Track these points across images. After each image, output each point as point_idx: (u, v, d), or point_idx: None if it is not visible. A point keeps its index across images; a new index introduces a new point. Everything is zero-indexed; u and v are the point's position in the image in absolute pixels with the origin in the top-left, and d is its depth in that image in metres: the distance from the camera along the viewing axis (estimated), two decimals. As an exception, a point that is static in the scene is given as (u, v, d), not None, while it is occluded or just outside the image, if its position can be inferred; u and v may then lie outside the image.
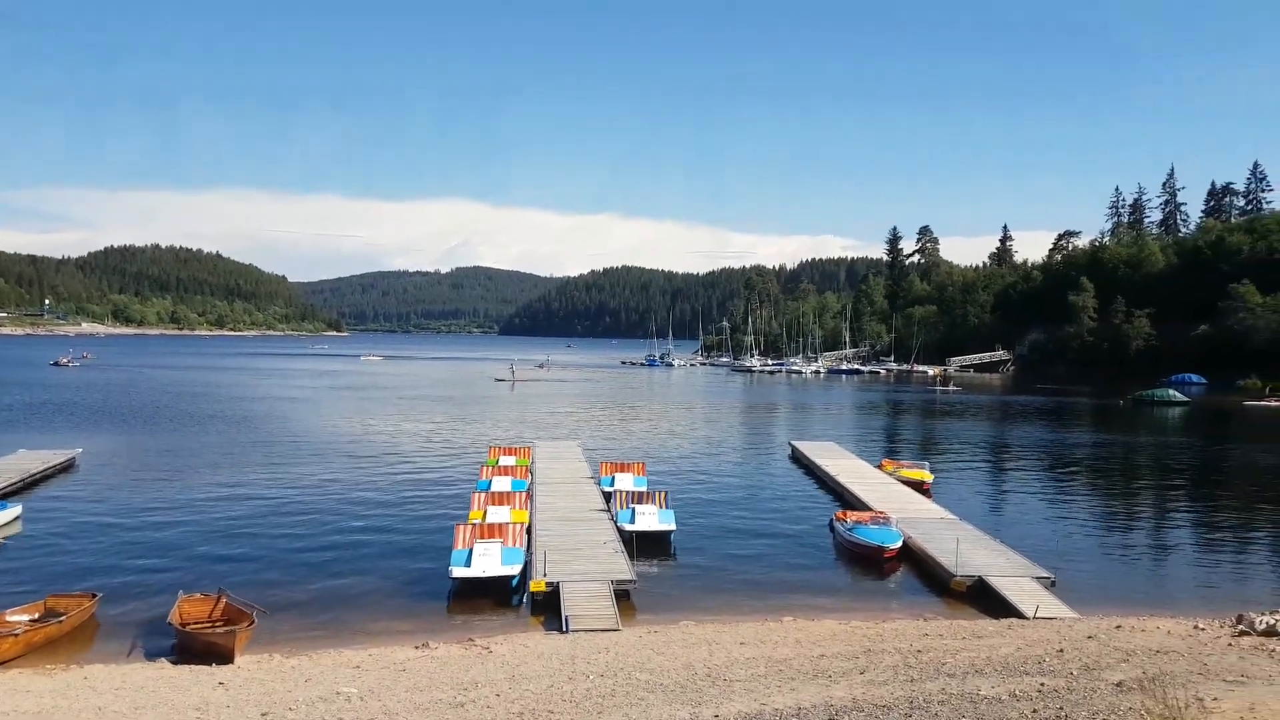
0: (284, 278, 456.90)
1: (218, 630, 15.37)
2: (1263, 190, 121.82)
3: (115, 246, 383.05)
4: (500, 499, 25.24)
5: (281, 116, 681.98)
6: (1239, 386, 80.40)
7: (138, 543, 22.81)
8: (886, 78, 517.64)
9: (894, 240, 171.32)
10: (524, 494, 26.55)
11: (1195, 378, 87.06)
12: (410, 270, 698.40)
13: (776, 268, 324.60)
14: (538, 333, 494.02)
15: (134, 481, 31.45)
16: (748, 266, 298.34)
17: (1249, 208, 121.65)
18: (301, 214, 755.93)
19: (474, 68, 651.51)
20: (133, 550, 22.04)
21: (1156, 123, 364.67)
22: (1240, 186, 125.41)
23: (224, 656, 14.44)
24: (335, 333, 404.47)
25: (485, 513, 23.92)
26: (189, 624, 15.81)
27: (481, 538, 20.32)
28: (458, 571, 18.83)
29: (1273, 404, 68.65)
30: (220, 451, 39.09)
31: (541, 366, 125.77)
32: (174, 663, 14.57)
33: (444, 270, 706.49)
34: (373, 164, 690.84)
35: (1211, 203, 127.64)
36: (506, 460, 32.85)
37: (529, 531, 22.05)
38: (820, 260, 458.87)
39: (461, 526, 20.88)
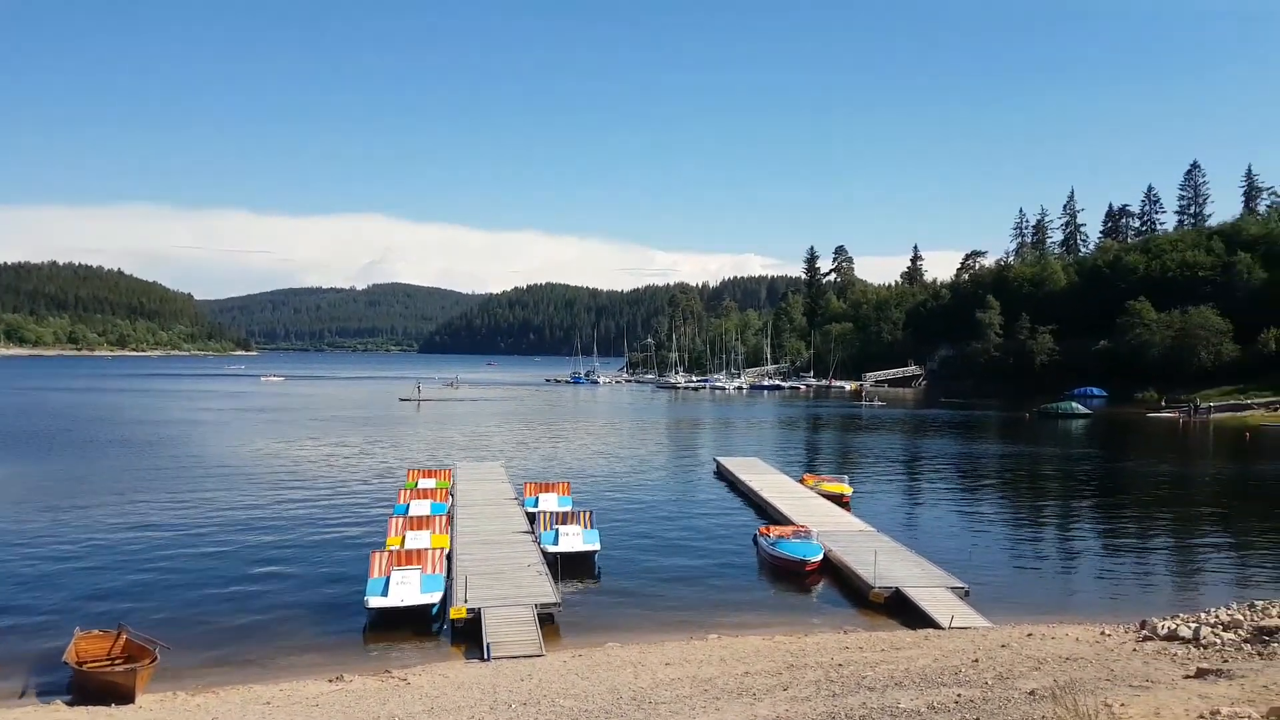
0: (190, 296, 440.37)
1: (117, 668, 14.56)
2: (1156, 212, 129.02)
3: (8, 264, 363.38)
4: (419, 523, 24.66)
5: (186, 129, 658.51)
6: (1137, 398, 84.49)
7: (31, 576, 21.52)
8: (804, 96, 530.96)
9: (811, 259, 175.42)
10: (444, 518, 26.01)
11: (1097, 391, 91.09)
12: (324, 287, 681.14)
13: (700, 285, 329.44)
14: (459, 350, 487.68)
15: (27, 511, 29.68)
16: (672, 284, 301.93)
17: (1144, 229, 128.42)
18: (208, 230, 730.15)
19: (389, 80, 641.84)
20: (25, 584, 20.77)
21: (1058, 146, 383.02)
22: (1135, 209, 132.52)
23: (124, 696, 13.68)
24: (244, 352, 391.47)
25: (404, 538, 23.30)
26: (86, 662, 14.94)
27: (399, 565, 19.76)
28: (374, 601, 18.27)
29: (1169, 415, 72.24)
30: (121, 479, 37.23)
31: (450, 385, 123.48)
32: (70, 704, 13.75)
33: (360, 287, 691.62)
34: (283, 178, 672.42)
35: (1109, 224, 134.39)
36: (426, 483, 32.14)
37: (449, 557, 21.55)
38: (742, 278, 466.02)
39: (378, 554, 20.25)
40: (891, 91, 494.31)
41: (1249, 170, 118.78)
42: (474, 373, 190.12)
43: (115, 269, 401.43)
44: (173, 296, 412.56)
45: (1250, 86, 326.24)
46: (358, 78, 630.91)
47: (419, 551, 20.72)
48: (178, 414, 73.20)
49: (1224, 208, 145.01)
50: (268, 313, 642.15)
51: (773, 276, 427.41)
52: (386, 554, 20.28)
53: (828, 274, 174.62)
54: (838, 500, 31.00)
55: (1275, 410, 68.71)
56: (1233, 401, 74.73)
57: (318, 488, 35.50)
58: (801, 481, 34.60)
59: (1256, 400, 73.46)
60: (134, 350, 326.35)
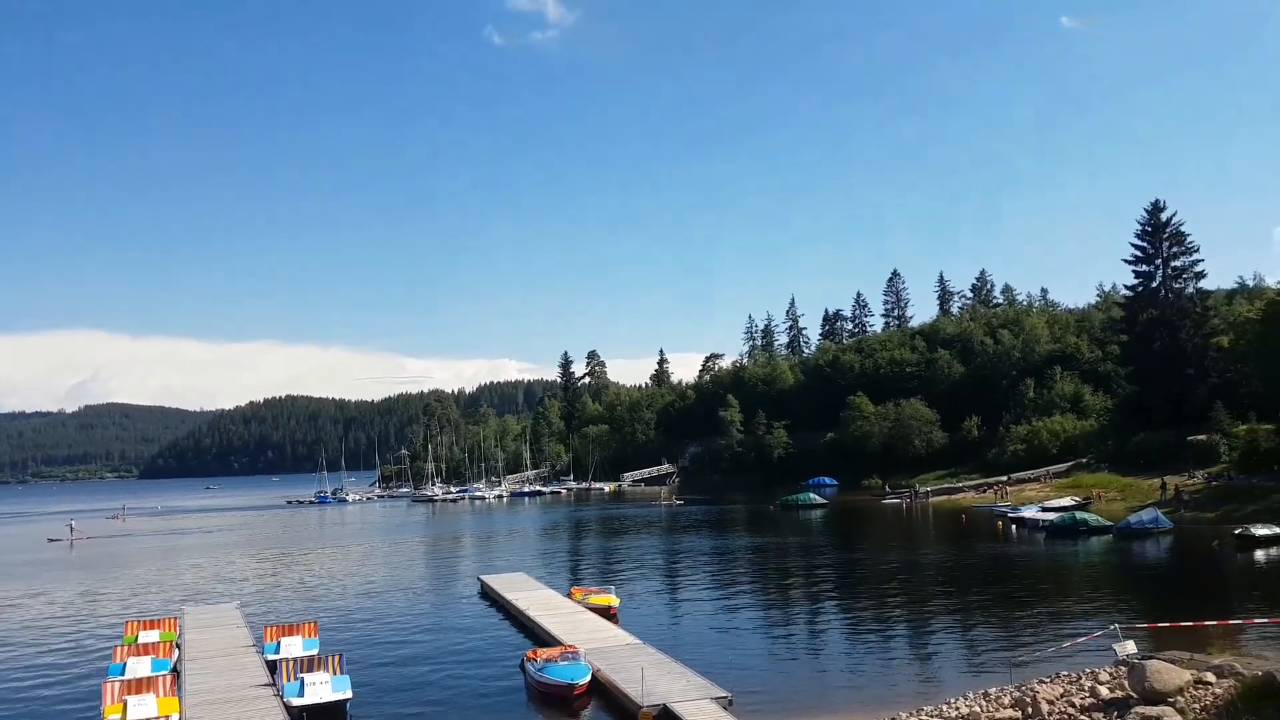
0: None
1: None
2: (866, 316, 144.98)
3: None
4: (140, 686, 21.55)
5: None
6: (864, 485, 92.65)
7: None
8: (549, 201, 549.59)
9: (566, 364, 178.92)
10: (169, 676, 22.98)
11: (829, 480, 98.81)
12: (28, 411, 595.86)
13: (455, 392, 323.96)
14: (187, 473, 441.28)
15: None
16: (426, 391, 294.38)
17: (856, 330, 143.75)
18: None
19: (93, 181, 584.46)
20: None
21: (777, 254, 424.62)
22: (848, 312, 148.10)
23: None
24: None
25: (124, 705, 20.24)
26: None
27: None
28: None
29: (894, 500, 79.52)
30: None
31: (116, 518, 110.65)
32: None
33: (70, 409, 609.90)
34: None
35: (826, 327, 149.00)
36: (148, 636, 28.23)
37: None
38: (498, 384, 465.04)
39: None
40: (633, 196, 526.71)
41: (941, 276, 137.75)
42: (188, 499, 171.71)
43: None
44: None
45: (934, 201, 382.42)
46: (56, 179, 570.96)
47: (142, 724, 18.07)
48: None
49: (922, 309, 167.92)
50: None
51: (529, 381, 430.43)
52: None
53: (582, 377, 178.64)
54: (605, 613, 30.93)
55: (984, 492, 77.47)
56: (946, 485, 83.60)
57: (8, 652, 30.12)
58: (569, 595, 34.22)
59: (967, 483, 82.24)
60: None
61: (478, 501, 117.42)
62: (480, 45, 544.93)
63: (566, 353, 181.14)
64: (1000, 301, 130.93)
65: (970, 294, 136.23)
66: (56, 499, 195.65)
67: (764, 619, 32.37)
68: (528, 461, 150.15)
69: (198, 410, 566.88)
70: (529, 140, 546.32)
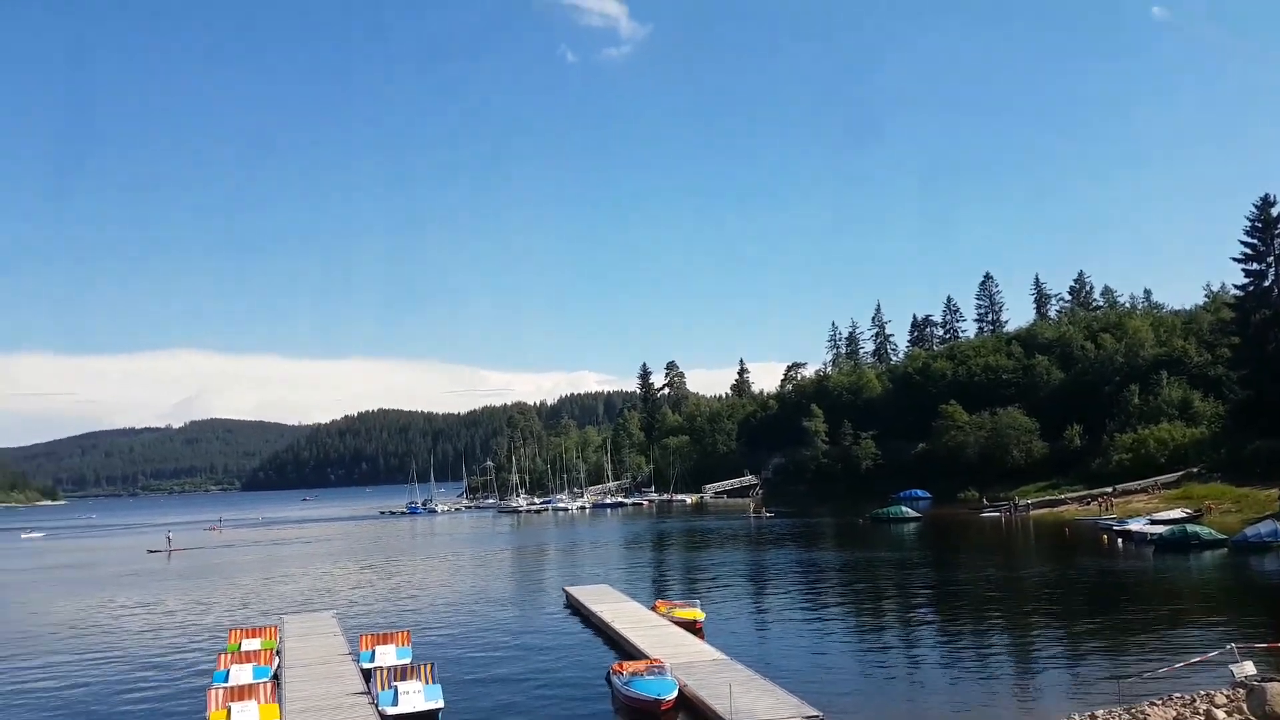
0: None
1: None
2: (957, 321, 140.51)
3: None
4: (243, 693, 22.27)
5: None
6: (959, 498, 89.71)
7: None
8: (627, 219, 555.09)
9: (645, 375, 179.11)
10: (269, 683, 23.67)
11: (921, 492, 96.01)
12: (138, 428, 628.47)
13: (537, 404, 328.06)
14: (286, 485, 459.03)
15: None
16: (509, 404, 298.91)
17: (947, 336, 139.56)
18: (4, 375, 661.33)
19: (192, 210, 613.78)
20: None
21: (864, 260, 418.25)
22: (938, 318, 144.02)
23: None
24: (50, 501, 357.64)
25: (228, 712, 20.91)
26: None
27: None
28: None
29: (992, 513, 76.72)
30: None
31: (212, 529, 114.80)
32: None
33: (176, 425, 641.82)
34: (85, 318, 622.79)
35: (915, 333, 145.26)
36: (250, 644, 29.19)
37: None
38: (579, 395, 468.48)
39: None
40: (707, 206, 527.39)
41: (1036, 279, 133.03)
42: (286, 510, 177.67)
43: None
44: None
45: (1034, 201, 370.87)
46: (153, 208, 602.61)
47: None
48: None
49: (1017, 314, 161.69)
50: (76, 458, 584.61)
51: (609, 392, 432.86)
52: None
53: (661, 388, 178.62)
54: (690, 627, 30.61)
55: (1087, 504, 74.10)
56: (1047, 497, 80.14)
57: (117, 660, 31.61)
58: (654, 609, 34.01)
59: (1069, 495, 78.66)
60: None
61: (561, 513, 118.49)
62: (555, 63, 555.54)
63: (645, 364, 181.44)
64: (1101, 304, 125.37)
65: (1068, 296, 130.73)
66: (163, 511, 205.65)
67: (856, 635, 31.54)
68: (609, 473, 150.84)
69: (295, 424, 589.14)
70: (603, 155, 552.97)
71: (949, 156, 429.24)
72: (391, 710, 21.14)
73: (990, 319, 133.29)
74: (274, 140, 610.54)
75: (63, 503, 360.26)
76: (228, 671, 25.29)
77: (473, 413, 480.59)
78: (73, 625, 39.59)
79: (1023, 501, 78.67)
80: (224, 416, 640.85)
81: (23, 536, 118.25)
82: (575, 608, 37.26)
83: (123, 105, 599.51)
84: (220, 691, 22.41)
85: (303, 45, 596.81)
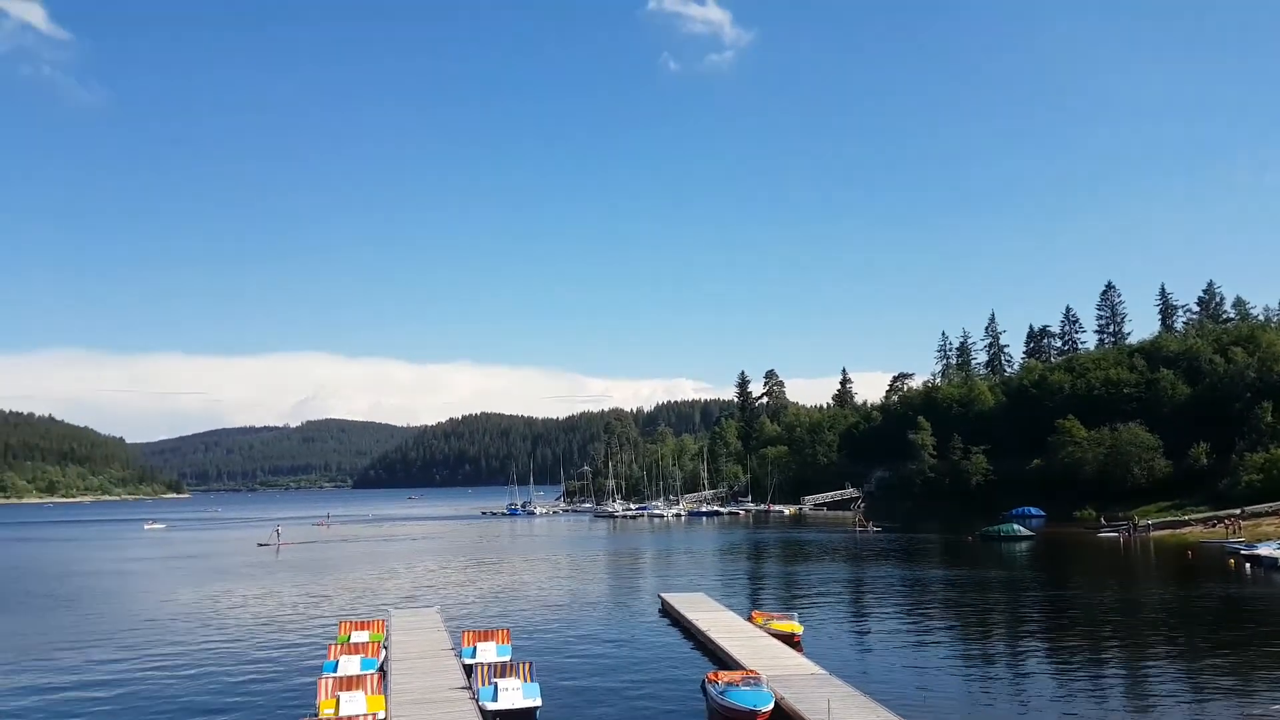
0: (121, 439, 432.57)
1: None
2: (1076, 332, 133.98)
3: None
4: (351, 683, 23.01)
5: (112, 274, 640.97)
6: (1075, 517, 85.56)
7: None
8: (727, 227, 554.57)
9: (743, 383, 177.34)
10: (376, 675, 24.40)
11: (1035, 510, 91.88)
12: (257, 426, 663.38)
13: (634, 411, 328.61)
14: (394, 484, 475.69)
15: None
16: (606, 410, 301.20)
17: (1065, 348, 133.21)
18: (138, 373, 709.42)
19: (314, 218, 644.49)
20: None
21: (975, 270, 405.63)
22: (1056, 329, 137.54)
23: None
24: (176, 495, 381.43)
25: (337, 702, 21.66)
26: None
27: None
28: None
29: (1110, 533, 72.95)
30: (43, 638, 35.18)
31: (320, 524, 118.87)
32: None
33: (294, 425, 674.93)
34: (213, 321, 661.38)
35: (1031, 344, 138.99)
36: (359, 636, 30.27)
37: (383, 722, 20.12)
38: (675, 403, 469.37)
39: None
40: (813, 215, 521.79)
41: (1162, 289, 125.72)
42: (393, 508, 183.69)
43: (46, 415, 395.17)
44: (104, 441, 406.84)
45: (1159, 209, 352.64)
46: (283, 217, 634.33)
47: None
48: (103, 564, 69.06)
49: (1140, 326, 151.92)
50: (200, 454, 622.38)
51: (706, 400, 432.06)
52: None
53: (760, 397, 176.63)
54: (788, 640, 30.06)
55: (1213, 526, 69.82)
56: (1170, 518, 75.87)
57: (234, 647, 33.28)
58: (750, 619, 33.60)
59: (1193, 516, 74.40)
60: (64, 496, 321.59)
61: (656, 519, 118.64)
62: (656, 73, 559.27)
63: (743, 372, 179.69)
64: (1231, 316, 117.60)
65: (1196, 307, 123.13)
66: (279, 506, 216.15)
67: (962, 656, 30.36)
68: (705, 481, 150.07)
69: (404, 426, 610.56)
70: (705, 164, 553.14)
71: (1071, 162, 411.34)
72: (491, 706, 21.51)
73: (1111, 330, 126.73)
74: (403, 152, 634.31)
75: (187, 496, 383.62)
76: (337, 662, 26.25)
77: (571, 418, 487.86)
78: (195, 613, 41.87)
79: (1143, 522, 74.64)
80: (338, 417, 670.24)
81: (145, 527, 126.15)
82: (670, 615, 37.18)
83: (272, 115, 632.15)
84: (330, 681, 23.25)
85: (410, 59, 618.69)
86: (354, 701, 21.60)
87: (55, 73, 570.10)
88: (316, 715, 20.20)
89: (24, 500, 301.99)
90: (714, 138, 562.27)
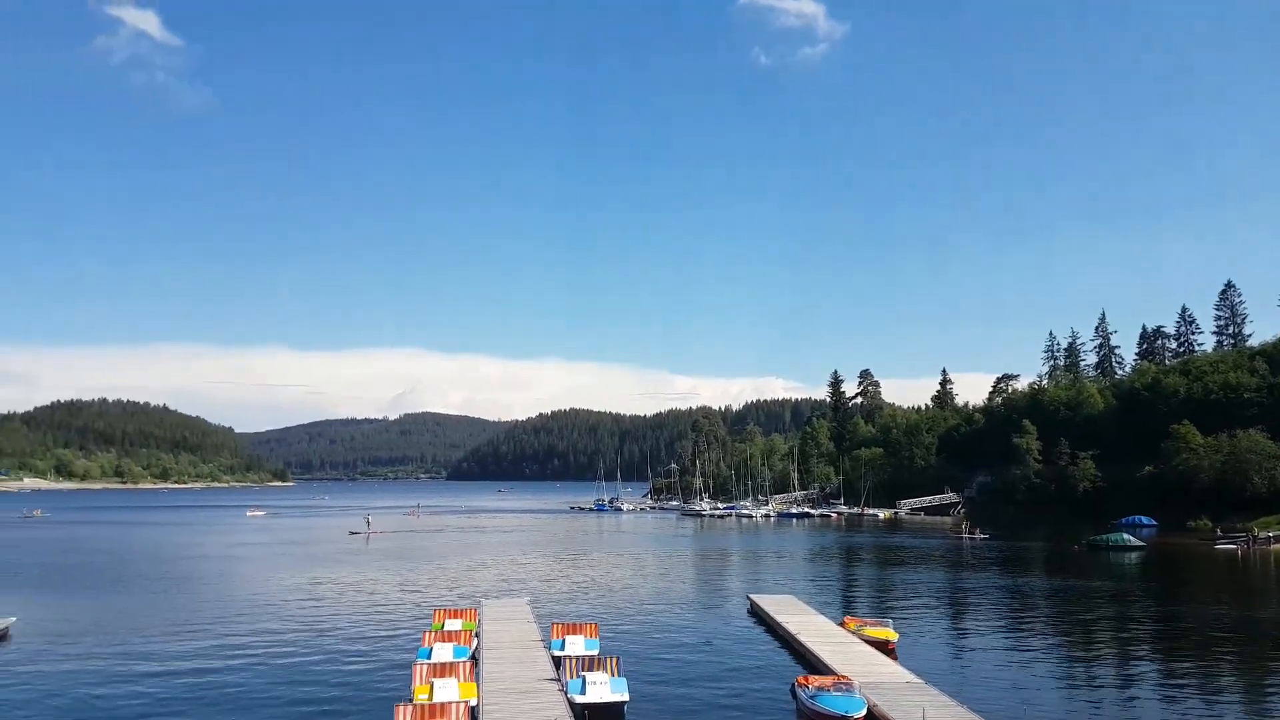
0: (230, 429, 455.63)
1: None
2: (1193, 333, 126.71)
3: (61, 402, 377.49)
4: (444, 670, 23.52)
5: (224, 269, 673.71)
6: (1190, 527, 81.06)
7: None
8: (822, 224, 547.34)
9: (836, 383, 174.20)
10: (468, 663, 24.85)
11: (1146, 519, 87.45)
12: (358, 418, 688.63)
13: (722, 409, 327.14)
14: (486, 477, 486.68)
15: (71, 653, 29.57)
16: (694, 408, 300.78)
17: (1181, 350, 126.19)
18: (246, 366, 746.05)
19: (419, 219, 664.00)
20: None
21: (1084, 270, 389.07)
22: (1170, 330, 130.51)
23: None
24: (281, 483, 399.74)
25: (430, 687, 22.12)
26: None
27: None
28: None
29: (1227, 545, 68.86)
30: (153, 618, 37.00)
31: (410, 514, 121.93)
32: None
33: (392, 417, 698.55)
34: (318, 316, 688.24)
35: (1144, 346, 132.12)
36: (452, 624, 30.92)
37: (474, 710, 20.42)
38: (765, 402, 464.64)
39: (401, 708, 19.33)
40: (914, 213, 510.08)
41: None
42: (484, 500, 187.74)
43: (161, 405, 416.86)
44: (214, 430, 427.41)
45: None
46: (387, 216, 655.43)
47: (443, 707, 19.79)
48: (212, 549, 72.66)
49: (1263, 326, 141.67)
50: (304, 444, 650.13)
51: (796, 400, 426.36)
52: (412, 709, 19.51)
53: (854, 397, 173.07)
54: (882, 647, 29.31)
55: (1339, 540, 65.45)
56: (1293, 531, 71.34)
57: (338, 628, 34.55)
58: (842, 624, 32.90)
59: (1320, 529, 69.93)
60: (176, 482, 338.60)
61: (744, 519, 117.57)
62: (747, 67, 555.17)
63: (836, 371, 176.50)
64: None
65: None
66: (378, 495, 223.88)
67: (1064, 670, 28.99)
68: (795, 482, 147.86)
69: (496, 420, 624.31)
70: (796, 161, 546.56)
71: (1186, 158, 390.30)
72: (580, 699, 21.62)
73: (1231, 332, 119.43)
74: (497, 155, 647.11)
75: (291, 485, 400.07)
76: (431, 649, 26.80)
77: (659, 415, 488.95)
78: (296, 598, 43.54)
79: (1263, 534, 70.22)
80: (434, 411, 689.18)
81: (247, 514, 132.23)
82: (759, 616, 36.73)
83: (387, 110, 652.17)
84: (424, 667, 23.79)
85: (480, 59, 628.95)
86: (447, 688, 22.02)
87: (168, 79, 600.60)
88: (412, 700, 20.66)
89: (140, 486, 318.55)
90: (805, 133, 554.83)
